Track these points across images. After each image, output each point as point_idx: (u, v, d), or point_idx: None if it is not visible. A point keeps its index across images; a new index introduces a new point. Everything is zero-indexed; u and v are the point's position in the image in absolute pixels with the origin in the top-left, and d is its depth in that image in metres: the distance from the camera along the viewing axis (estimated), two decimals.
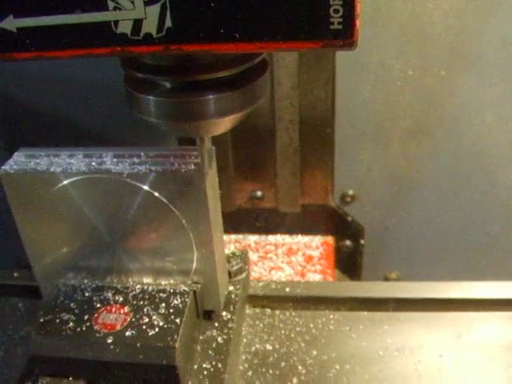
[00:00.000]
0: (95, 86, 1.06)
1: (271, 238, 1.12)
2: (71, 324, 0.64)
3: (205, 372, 0.65)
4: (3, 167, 0.65)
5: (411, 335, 0.74)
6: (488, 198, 1.10)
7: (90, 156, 0.65)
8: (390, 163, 1.09)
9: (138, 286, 0.68)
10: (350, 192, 1.12)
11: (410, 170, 1.09)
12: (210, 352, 0.67)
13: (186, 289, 0.67)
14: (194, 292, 0.67)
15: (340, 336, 0.74)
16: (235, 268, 0.74)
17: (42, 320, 0.65)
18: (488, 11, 0.91)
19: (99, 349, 0.62)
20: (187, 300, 0.65)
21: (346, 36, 0.40)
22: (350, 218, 1.12)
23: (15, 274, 0.82)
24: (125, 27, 0.42)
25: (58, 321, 0.65)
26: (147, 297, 0.66)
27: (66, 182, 0.64)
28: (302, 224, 1.14)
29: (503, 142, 1.04)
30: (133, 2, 0.41)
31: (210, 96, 0.50)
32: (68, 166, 0.64)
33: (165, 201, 0.63)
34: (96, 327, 0.63)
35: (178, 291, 0.67)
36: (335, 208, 1.12)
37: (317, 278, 0.98)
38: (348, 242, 1.15)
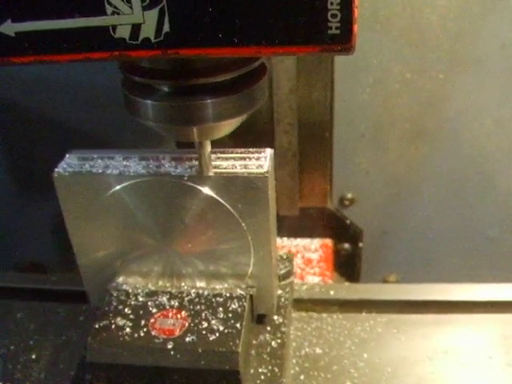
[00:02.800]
0: (94, 88, 1.04)
1: None
2: (128, 330, 0.63)
3: (262, 377, 0.64)
4: (57, 169, 0.63)
5: (458, 337, 0.74)
6: (487, 201, 1.11)
7: (146, 158, 0.64)
8: (389, 166, 1.08)
9: (193, 291, 0.67)
10: (349, 195, 1.11)
11: (408, 173, 1.09)
12: (265, 356, 0.67)
13: (242, 293, 0.66)
14: (251, 296, 0.66)
15: (389, 339, 0.74)
16: (283, 271, 0.74)
17: (96, 326, 0.64)
18: (486, 15, 0.91)
19: (159, 355, 0.61)
20: (245, 304, 0.65)
21: (343, 41, 0.40)
22: (348, 221, 1.12)
23: (53, 279, 0.80)
24: (123, 32, 0.42)
25: (113, 326, 0.63)
26: (203, 301, 0.65)
27: (121, 185, 0.62)
28: (301, 227, 1.13)
29: (502, 146, 1.04)
30: (131, 7, 0.41)
31: (209, 100, 0.50)
32: (125, 168, 0.62)
33: (225, 204, 0.62)
34: (154, 333, 0.62)
35: (234, 295, 0.66)
36: (334, 211, 1.11)
37: (315, 280, 0.98)
38: (347, 245, 1.15)
